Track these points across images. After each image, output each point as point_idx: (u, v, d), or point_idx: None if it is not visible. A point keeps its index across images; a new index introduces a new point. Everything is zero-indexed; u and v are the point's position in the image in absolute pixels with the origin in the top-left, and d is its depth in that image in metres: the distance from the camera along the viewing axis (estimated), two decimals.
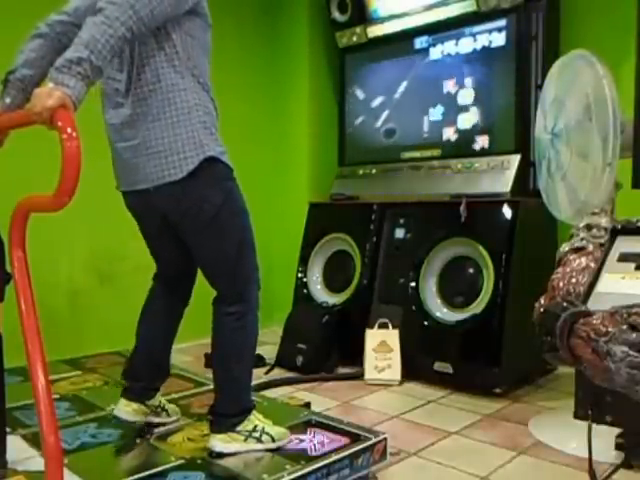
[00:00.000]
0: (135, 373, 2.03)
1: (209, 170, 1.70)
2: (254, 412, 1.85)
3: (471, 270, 2.94)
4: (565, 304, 1.78)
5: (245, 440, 1.79)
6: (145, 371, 2.02)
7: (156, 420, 2.02)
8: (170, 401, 2.17)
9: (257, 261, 1.85)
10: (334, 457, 1.75)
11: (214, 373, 1.84)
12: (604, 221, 2.11)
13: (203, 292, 1.95)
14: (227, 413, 1.81)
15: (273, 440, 1.82)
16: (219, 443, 1.78)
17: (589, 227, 2.11)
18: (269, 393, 2.67)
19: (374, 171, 3.63)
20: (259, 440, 1.80)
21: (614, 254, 1.96)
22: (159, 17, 1.59)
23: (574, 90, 2.24)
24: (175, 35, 1.68)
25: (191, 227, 1.77)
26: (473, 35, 3.18)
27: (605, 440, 1.99)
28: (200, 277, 1.96)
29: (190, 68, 1.71)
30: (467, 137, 3.22)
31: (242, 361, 1.83)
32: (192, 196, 1.70)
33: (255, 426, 1.82)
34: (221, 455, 1.77)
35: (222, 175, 1.76)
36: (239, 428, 1.79)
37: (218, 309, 1.82)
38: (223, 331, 1.81)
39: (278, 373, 3.14)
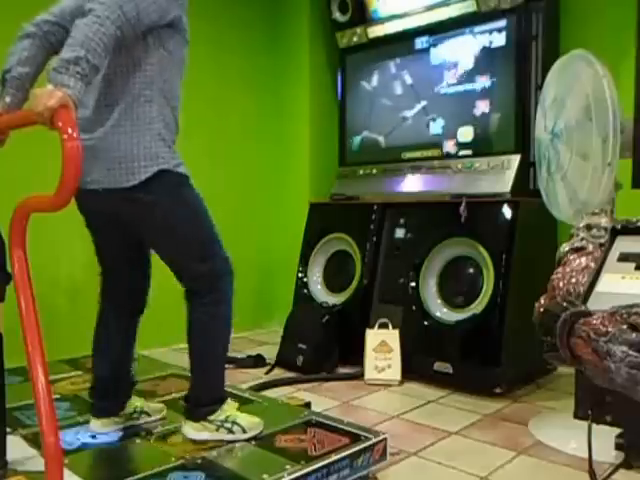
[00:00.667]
0: (98, 392, 1.98)
1: (162, 180, 1.72)
2: (228, 402, 1.90)
3: (471, 270, 2.94)
4: (565, 304, 1.78)
5: (217, 430, 1.84)
6: (107, 390, 1.97)
7: (137, 423, 2.01)
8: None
9: (225, 254, 1.87)
10: (334, 457, 1.74)
11: (190, 363, 1.88)
12: (604, 221, 2.11)
13: None
14: (200, 402, 1.86)
15: (244, 431, 1.86)
16: (191, 430, 1.85)
17: (589, 227, 2.11)
18: (269, 393, 2.67)
19: (374, 171, 3.64)
20: (230, 431, 1.85)
21: (614, 254, 1.97)
22: (144, 21, 1.62)
23: (574, 90, 2.24)
24: (153, 48, 1.71)
25: (146, 232, 1.82)
26: (473, 35, 3.18)
27: (605, 440, 1.98)
28: None
29: (159, 82, 1.73)
30: (467, 137, 3.22)
31: (215, 351, 1.87)
32: (142, 203, 1.72)
33: (227, 416, 1.86)
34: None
35: (175, 183, 1.77)
36: (211, 417, 1.85)
37: (190, 301, 1.86)
38: (195, 321, 1.85)
39: (278, 373, 3.14)
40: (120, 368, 1.99)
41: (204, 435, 1.84)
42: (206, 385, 1.89)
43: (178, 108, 1.83)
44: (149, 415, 2.05)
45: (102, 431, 1.94)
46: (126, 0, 1.55)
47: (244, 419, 1.89)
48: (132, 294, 2.00)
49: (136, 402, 2.05)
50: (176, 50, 1.77)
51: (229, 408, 1.89)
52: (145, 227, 1.81)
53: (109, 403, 1.97)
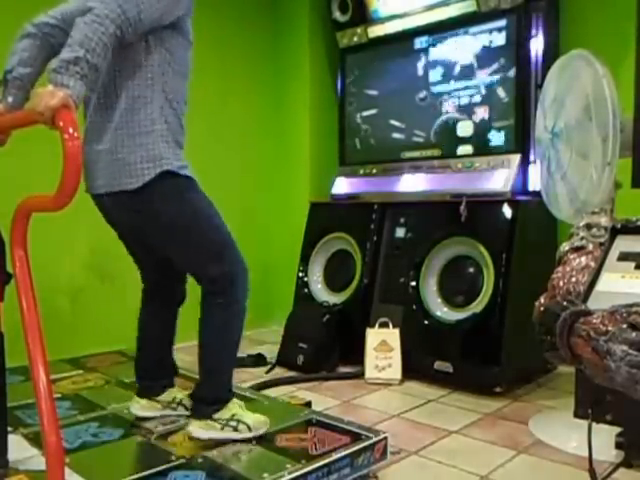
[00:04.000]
0: (140, 373, 2.10)
1: (165, 183, 1.72)
2: (234, 400, 1.91)
3: (471, 269, 2.95)
4: (565, 303, 1.78)
5: (222, 429, 1.85)
6: (148, 371, 2.08)
7: (174, 414, 2.07)
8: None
9: (240, 257, 1.88)
10: (335, 456, 1.75)
11: (199, 361, 1.89)
12: (604, 220, 2.11)
13: None
14: (205, 401, 1.88)
15: (250, 429, 1.87)
16: (196, 429, 1.86)
17: (589, 226, 2.11)
18: (270, 392, 2.67)
19: (375, 171, 3.64)
20: (235, 429, 1.85)
21: (614, 253, 1.96)
22: (146, 22, 1.62)
23: (574, 90, 2.24)
24: (155, 49, 1.71)
25: (150, 236, 1.82)
26: (473, 35, 3.19)
27: (605, 439, 1.99)
28: None
29: (161, 84, 1.73)
30: (467, 136, 3.22)
31: (224, 351, 1.89)
32: (145, 207, 1.73)
33: (233, 415, 1.87)
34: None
35: (179, 188, 1.77)
36: (216, 416, 1.86)
37: (205, 299, 1.87)
38: (207, 320, 1.87)
39: (279, 372, 3.15)
40: (155, 354, 2.08)
41: (209, 434, 1.85)
42: (212, 383, 1.91)
43: (183, 110, 1.82)
44: (186, 409, 2.08)
45: (142, 414, 2.04)
46: None
47: (250, 417, 1.90)
48: (165, 287, 2.05)
49: (177, 393, 2.11)
50: (178, 51, 1.77)
51: (234, 406, 1.89)
52: (151, 232, 1.81)
53: (151, 383, 2.07)
